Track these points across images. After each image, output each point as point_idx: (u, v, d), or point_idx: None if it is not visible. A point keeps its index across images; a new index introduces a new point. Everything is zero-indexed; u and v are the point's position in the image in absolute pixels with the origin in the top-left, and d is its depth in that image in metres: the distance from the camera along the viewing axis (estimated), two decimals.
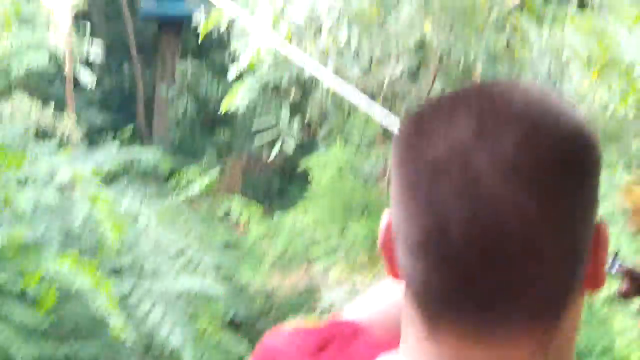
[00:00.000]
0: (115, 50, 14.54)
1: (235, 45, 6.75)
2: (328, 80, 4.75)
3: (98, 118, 12.86)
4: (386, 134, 7.36)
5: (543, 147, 0.68)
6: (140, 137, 13.59)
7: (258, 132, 8.19)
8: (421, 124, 0.71)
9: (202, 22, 6.98)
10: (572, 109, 0.72)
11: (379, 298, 1.15)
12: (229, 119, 12.66)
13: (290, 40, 6.19)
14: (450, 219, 0.67)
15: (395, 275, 0.76)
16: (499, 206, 0.67)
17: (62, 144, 9.31)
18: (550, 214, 0.69)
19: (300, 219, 7.47)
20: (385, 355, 0.80)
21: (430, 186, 0.68)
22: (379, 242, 0.77)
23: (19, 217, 5.76)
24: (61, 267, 5.40)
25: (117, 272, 7.17)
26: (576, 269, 0.72)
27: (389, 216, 0.76)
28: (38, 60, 8.49)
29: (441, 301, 0.70)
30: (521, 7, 6.50)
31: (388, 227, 0.76)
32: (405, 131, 0.74)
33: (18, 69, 8.39)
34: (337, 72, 6.13)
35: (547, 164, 0.68)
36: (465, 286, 0.68)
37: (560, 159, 0.69)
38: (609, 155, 6.12)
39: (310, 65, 4.78)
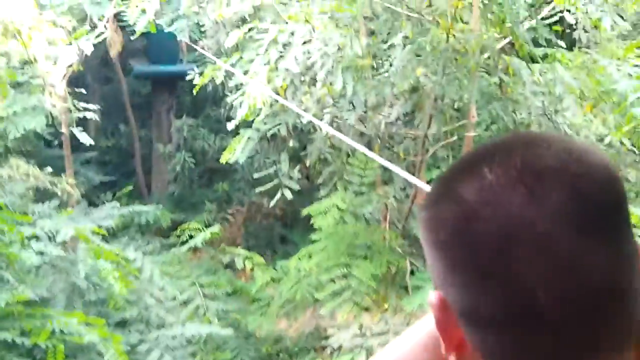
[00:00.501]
0: (111, 110, 14.70)
1: (230, 99, 6.86)
2: (324, 126, 4.85)
3: (97, 178, 12.93)
4: (385, 175, 7.43)
5: (592, 194, 0.73)
6: (140, 194, 13.65)
7: (258, 181, 8.24)
8: (463, 205, 0.74)
9: (197, 80, 7.12)
10: (593, 148, 0.79)
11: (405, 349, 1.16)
12: (227, 171, 12.75)
13: (286, 91, 6.31)
14: (534, 289, 0.70)
15: (457, 351, 0.80)
16: (577, 263, 0.71)
17: (62, 204, 9.35)
18: (620, 252, 0.74)
19: (304, 264, 7.48)
20: None
21: (501, 262, 0.71)
22: (435, 322, 0.81)
23: (24, 275, 5.77)
24: (69, 323, 5.39)
25: (124, 324, 7.17)
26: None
27: (440, 297, 0.80)
28: (35, 124, 8.56)
29: None
30: (511, 48, 6.64)
31: (444, 308, 0.79)
32: (446, 215, 0.76)
33: (15, 134, 8.45)
34: (334, 120, 6.24)
35: (601, 209, 0.73)
36: (557, 346, 0.72)
37: (607, 202, 0.74)
38: None
39: (305, 114, 4.89)
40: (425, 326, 1.16)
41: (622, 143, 6.08)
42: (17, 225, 6.43)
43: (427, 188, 7.74)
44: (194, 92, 7.20)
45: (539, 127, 6.35)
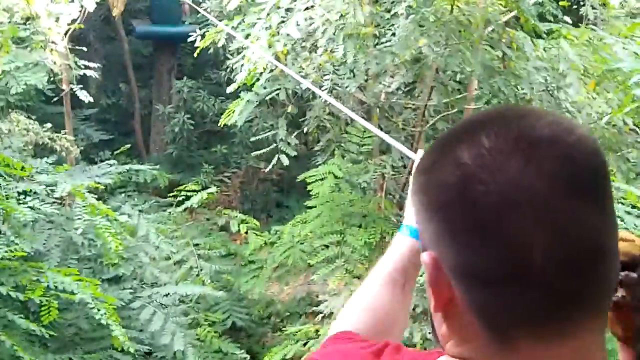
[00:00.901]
0: (112, 69, 14.67)
1: (231, 62, 6.83)
2: (322, 94, 4.84)
3: (95, 135, 12.94)
4: (382, 146, 7.43)
5: (583, 161, 0.81)
6: (138, 154, 13.68)
7: (255, 145, 8.25)
8: (463, 169, 0.81)
9: (199, 42, 7.08)
10: (578, 124, 0.88)
11: (366, 307, 1.36)
12: (225, 134, 12.76)
13: (286, 56, 6.28)
14: (531, 248, 0.77)
15: (446, 308, 0.86)
16: (571, 224, 0.78)
17: (60, 161, 9.37)
18: (606, 216, 0.82)
19: (298, 230, 7.53)
20: None
21: (501, 223, 0.78)
22: (428, 280, 0.87)
23: (20, 229, 5.81)
24: (63, 280, 5.45)
25: (117, 280, 7.26)
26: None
27: (433, 256, 0.85)
28: (35, 80, 8.53)
29: (523, 320, 0.80)
30: (516, 22, 6.59)
31: (438, 267, 0.85)
32: (445, 178, 0.82)
33: (16, 89, 8.43)
34: (334, 87, 6.22)
35: (591, 175, 0.81)
36: (549, 303, 0.79)
37: (596, 169, 0.82)
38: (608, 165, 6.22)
39: (304, 81, 4.88)
40: (386, 266, 1.38)
41: (624, 122, 6.07)
42: (14, 179, 6.46)
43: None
44: (196, 54, 7.15)
45: (540, 103, 6.33)
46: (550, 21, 7.04)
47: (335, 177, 7.50)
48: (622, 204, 5.19)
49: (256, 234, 8.98)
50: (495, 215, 0.78)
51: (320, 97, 6.57)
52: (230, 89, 6.27)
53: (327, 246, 6.86)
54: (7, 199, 5.90)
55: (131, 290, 7.11)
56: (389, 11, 6.27)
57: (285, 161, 6.61)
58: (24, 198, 6.37)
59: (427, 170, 0.87)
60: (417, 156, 1.64)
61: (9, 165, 5.11)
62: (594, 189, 0.81)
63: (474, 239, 0.79)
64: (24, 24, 7.58)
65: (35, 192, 6.51)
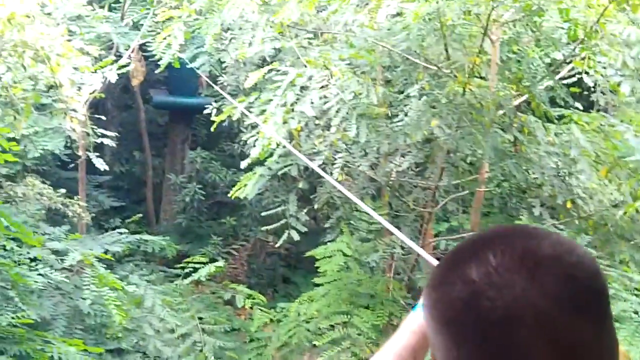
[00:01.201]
0: (128, 137, 14.86)
1: (245, 137, 6.92)
2: (330, 179, 4.89)
3: (107, 202, 13.01)
4: (393, 224, 7.40)
5: (585, 281, 0.86)
6: (148, 222, 13.69)
7: (265, 219, 8.26)
8: (471, 286, 0.86)
9: (214, 114, 7.19)
10: (578, 245, 0.93)
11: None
12: (235, 206, 12.78)
13: (300, 133, 6.36)
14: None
15: None
16: (573, 341, 0.83)
17: (72, 226, 9.40)
18: (606, 334, 0.87)
19: (305, 308, 7.42)
20: None
21: (506, 337, 0.83)
22: None
23: (28, 296, 5.77)
24: (68, 350, 5.37)
25: (121, 352, 7.15)
26: None
27: None
28: (53, 146, 8.66)
29: None
30: (527, 107, 6.66)
31: None
32: (454, 294, 0.87)
33: (33, 153, 8.56)
34: (346, 164, 6.26)
35: (592, 295, 0.86)
36: None
37: (597, 289, 0.87)
38: (620, 254, 6.17)
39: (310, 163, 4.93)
40: (397, 343, 1.39)
41: (637, 211, 6.03)
42: (26, 245, 6.46)
43: (434, 240, 7.73)
44: (212, 128, 7.24)
45: (551, 188, 6.32)
46: (561, 106, 7.10)
47: (344, 255, 7.45)
48: (637, 295, 5.11)
49: (262, 310, 8.86)
50: (501, 329, 0.82)
51: (331, 173, 6.62)
52: (244, 164, 6.33)
53: (333, 327, 6.73)
54: (18, 264, 5.90)
55: None
56: (401, 92, 6.37)
57: (296, 236, 6.60)
58: (35, 265, 6.37)
59: (437, 286, 0.93)
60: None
61: (22, 233, 5.12)
62: (594, 308, 0.86)
63: (481, 352, 0.84)
64: (47, 91, 7.76)
65: (45, 259, 6.51)
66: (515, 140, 6.28)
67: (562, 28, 6.00)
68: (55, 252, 7.16)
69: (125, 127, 15.13)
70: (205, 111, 7.72)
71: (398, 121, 6.15)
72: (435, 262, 1.74)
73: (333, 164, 6.22)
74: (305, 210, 6.80)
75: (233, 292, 9.33)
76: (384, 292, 6.90)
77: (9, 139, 8.25)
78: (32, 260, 6.45)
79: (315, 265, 7.85)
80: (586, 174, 6.02)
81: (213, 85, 8.03)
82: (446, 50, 5.90)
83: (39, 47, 6.02)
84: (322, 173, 4.13)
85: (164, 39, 7.63)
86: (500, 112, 6.23)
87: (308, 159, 6.33)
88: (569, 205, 6.26)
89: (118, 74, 7.80)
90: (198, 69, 8.37)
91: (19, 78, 6.02)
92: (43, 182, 8.72)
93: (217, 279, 10.68)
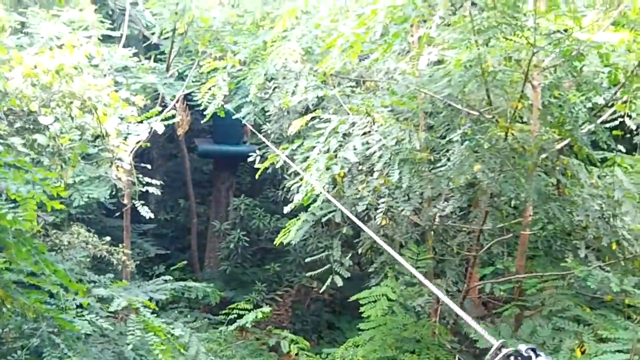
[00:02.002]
0: (173, 185, 15.14)
1: (289, 184, 7.01)
2: (365, 227, 4.93)
3: (152, 250, 13.19)
4: (437, 269, 7.37)
5: None
6: (192, 269, 13.83)
7: (309, 265, 8.28)
8: None
9: (258, 162, 7.32)
10: None
11: None
12: (279, 252, 12.85)
13: (343, 179, 6.42)
14: None
15: None
16: None
17: (116, 274, 9.54)
18: None
19: (351, 354, 7.37)
20: None
21: None
22: None
23: (74, 342, 5.85)
24: None
25: None
26: None
27: None
28: (98, 194, 8.83)
29: None
30: (570, 150, 6.64)
31: None
32: None
33: (78, 202, 8.73)
34: (389, 209, 6.29)
35: None
36: None
37: None
38: None
39: (348, 214, 4.98)
40: None
41: None
42: (72, 292, 6.58)
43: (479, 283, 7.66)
44: (257, 176, 7.36)
45: (596, 230, 6.25)
46: (604, 149, 7.06)
47: (389, 299, 7.42)
48: None
49: (307, 356, 8.83)
50: None
51: (374, 218, 6.64)
52: (287, 209, 6.39)
53: None
54: (64, 311, 5.99)
55: None
56: (443, 137, 6.41)
57: (339, 282, 6.61)
58: (80, 312, 6.47)
59: None
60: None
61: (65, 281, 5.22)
62: None
63: None
64: (94, 141, 8.00)
65: (90, 306, 6.60)
66: (558, 183, 6.24)
67: (603, 72, 6.01)
68: (101, 299, 7.28)
69: (170, 175, 15.43)
70: (250, 159, 7.85)
71: (440, 166, 6.18)
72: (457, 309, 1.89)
73: (376, 208, 6.25)
74: (349, 256, 6.80)
75: (277, 338, 9.32)
76: (429, 336, 6.83)
77: (57, 187, 8.49)
78: (77, 307, 6.55)
79: (359, 311, 7.83)
80: (631, 215, 5.96)
81: (257, 133, 8.18)
82: (488, 96, 5.94)
83: (86, 98, 6.20)
84: (356, 221, 4.15)
85: (209, 89, 7.84)
86: (543, 155, 6.22)
87: (350, 205, 6.40)
88: (614, 246, 6.17)
89: (164, 125, 8.01)
90: (243, 118, 8.55)
91: (67, 128, 6.19)
92: (88, 231, 8.88)
93: (261, 326, 10.69)
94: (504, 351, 1.71)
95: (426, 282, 2.82)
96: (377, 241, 3.98)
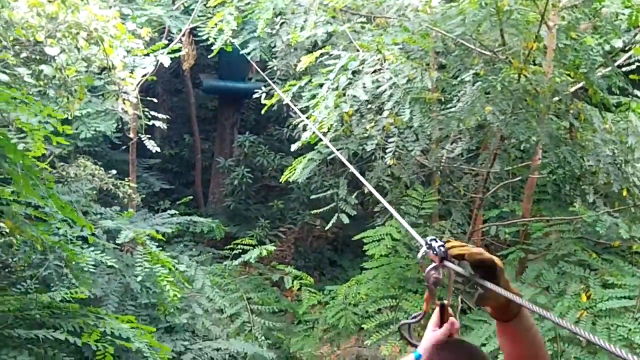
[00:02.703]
0: (177, 120, 15.08)
1: (295, 122, 6.94)
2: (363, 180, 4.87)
3: (157, 184, 13.22)
4: (443, 210, 7.36)
5: None
6: (197, 205, 13.89)
7: (313, 202, 8.29)
8: None
9: (263, 99, 7.22)
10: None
11: None
12: (283, 189, 12.88)
13: (351, 117, 6.34)
14: None
15: None
16: None
17: (122, 207, 9.57)
18: None
19: (353, 291, 7.44)
20: None
21: None
22: None
23: (81, 273, 5.89)
24: (120, 326, 5.48)
25: (171, 330, 7.28)
26: None
27: None
28: (105, 127, 8.79)
29: None
30: (584, 94, 6.53)
31: None
32: None
33: (85, 134, 8.71)
34: (397, 149, 6.23)
35: None
36: None
37: None
38: None
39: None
40: None
41: None
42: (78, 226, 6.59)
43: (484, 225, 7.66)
44: (262, 112, 7.28)
45: (606, 176, 6.20)
46: (619, 94, 6.94)
47: (393, 239, 7.43)
48: None
49: (309, 292, 8.93)
50: None
51: (381, 158, 6.60)
52: (294, 147, 6.34)
53: (380, 310, 6.74)
54: (71, 242, 6.02)
55: (183, 342, 7.13)
56: (455, 77, 6.29)
57: (346, 220, 6.61)
58: (87, 245, 6.51)
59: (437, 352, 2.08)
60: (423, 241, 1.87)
61: (74, 215, 5.22)
62: None
63: None
64: (100, 73, 7.91)
65: (97, 239, 6.62)
66: (571, 127, 6.15)
67: (623, 14, 5.84)
68: (107, 231, 7.32)
69: (175, 110, 15.35)
70: (255, 96, 7.76)
71: (451, 106, 6.09)
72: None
73: (384, 148, 6.20)
74: (354, 195, 6.78)
75: (281, 274, 9.41)
76: None
77: (62, 121, 8.43)
78: (84, 239, 6.58)
79: (362, 249, 7.86)
80: None
81: (261, 72, 8.04)
82: (502, 36, 5.81)
83: (92, 29, 6.08)
84: (359, 176, 4.09)
85: (216, 24, 7.68)
86: (556, 98, 6.11)
87: (361, 140, 6.34)
88: (624, 193, 6.13)
89: (170, 58, 7.89)
90: (249, 54, 8.41)
91: (73, 60, 6.08)
92: (95, 163, 8.88)
93: (264, 261, 10.79)
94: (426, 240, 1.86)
95: (403, 222, 2.75)
96: (373, 191, 3.94)
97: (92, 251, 6.16)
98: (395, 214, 3.58)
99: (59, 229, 6.01)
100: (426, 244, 1.85)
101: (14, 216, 5.23)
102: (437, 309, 2.17)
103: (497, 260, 1.72)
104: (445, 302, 2.16)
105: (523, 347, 1.83)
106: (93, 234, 6.28)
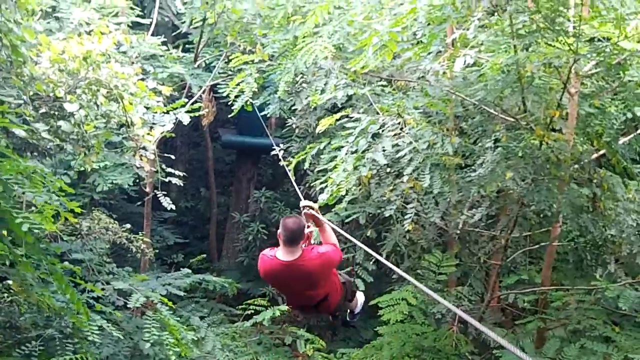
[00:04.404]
0: (195, 174, 15.08)
1: (313, 182, 6.88)
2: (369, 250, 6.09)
3: (171, 238, 13.15)
4: (462, 278, 7.20)
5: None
6: (210, 259, 13.76)
7: None
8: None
9: (281, 156, 7.18)
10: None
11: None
12: None
13: (370, 181, 6.26)
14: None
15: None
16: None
17: (135, 261, 9.47)
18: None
19: (367, 357, 7.22)
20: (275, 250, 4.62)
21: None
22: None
23: (85, 344, 5.78)
24: None
25: None
26: None
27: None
28: (122, 181, 8.76)
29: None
30: (607, 162, 6.43)
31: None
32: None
33: (102, 187, 8.68)
34: (417, 214, 6.12)
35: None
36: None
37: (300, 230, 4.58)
38: None
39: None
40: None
41: None
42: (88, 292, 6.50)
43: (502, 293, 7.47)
44: (291, 169, 7.19)
45: (629, 247, 6.06)
46: None
47: (409, 304, 7.25)
48: None
49: (322, 357, 8.70)
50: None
51: (397, 222, 6.49)
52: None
53: None
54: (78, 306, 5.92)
55: None
56: (475, 143, 6.22)
57: (362, 287, 6.48)
58: (98, 300, 6.42)
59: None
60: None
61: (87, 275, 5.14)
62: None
63: None
64: (119, 129, 7.94)
65: (108, 299, 6.52)
66: (594, 196, 6.03)
67: None
68: (119, 291, 7.21)
69: (193, 164, 15.38)
70: (273, 152, 7.73)
71: (471, 172, 6.00)
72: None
73: (402, 213, 6.10)
74: (372, 261, 6.65)
75: (293, 336, 9.21)
76: (449, 347, 6.65)
77: (79, 173, 8.43)
78: (95, 299, 6.48)
79: (376, 310, 7.66)
80: None
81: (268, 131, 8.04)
82: (523, 103, 5.75)
83: (112, 86, 6.12)
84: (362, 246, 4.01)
85: (237, 84, 7.71)
86: (577, 166, 6.01)
87: (379, 204, 6.26)
88: None
89: (189, 116, 7.90)
90: (268, 117, 8.41)
91: (92, 116, 6.10)
92: (110, 216, 8.83)
93: (276, 320, 10.58)
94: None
95: (433, 294, 2.82)
96: (384, 263, 3.98)
97: (99, 316, 6.05)
98: (413, 281, 3.51)
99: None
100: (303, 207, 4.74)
101: (22, 279, 5.14)
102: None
103: (313, 204, 4.70)
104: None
105: (324, 235, 4.70)
106: (102, 297, 6.17)
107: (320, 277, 4.52)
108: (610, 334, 6.05)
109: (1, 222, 4.30)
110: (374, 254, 4.16)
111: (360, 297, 5.29)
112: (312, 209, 4.56)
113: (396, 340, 6.89)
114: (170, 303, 6.73)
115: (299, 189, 12.16)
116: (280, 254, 4.39)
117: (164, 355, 6.91)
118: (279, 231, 4.36)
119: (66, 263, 5.49)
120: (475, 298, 7.23)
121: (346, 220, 7.13)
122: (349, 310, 5.28)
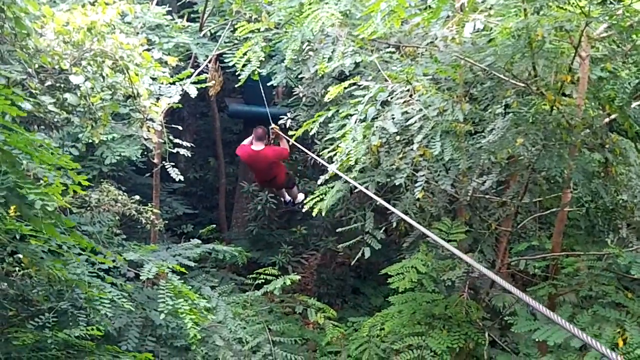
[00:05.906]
0: (202, 144, 15.05)
1: (322, 152, 6.84)
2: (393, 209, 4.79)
3: (180, 209, 13.17)
4: (472, 245, 7.18)
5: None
6: (219, 229, 13.80)
7: (336, 228, 8.16)
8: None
9: (289, 125, 7.15)
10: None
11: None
12: (306, 215, 12.73)
13: (379, 149, 6.22)
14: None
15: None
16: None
17: (145, 232, 9.50)
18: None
19: (378, 326, 7.24)
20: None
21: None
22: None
23: (103, 307, 5.80)
24: None
25: None
26: None
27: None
28: (130, 152, 8.76)
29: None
30: (619, 127, 6.35)
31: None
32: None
33: (110, 159, 8.69)
34: (427, 182, 6.08)
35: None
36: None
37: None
38: None
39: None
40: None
41: None
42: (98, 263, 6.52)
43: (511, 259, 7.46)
44: (292, 140, 7.19)
45: None
46: None
47: (418, 272, 7.23)
48: None
49: (333, 325, 8.75)
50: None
51: (408, 190, 6.46)
52: (321, 180, 6.24)
53: (407, 347, 6.53)
54: (90, 278, 5.93)
55: None
56: (486, 109, 6.15)
57: (368, 254, 6.47)
58: (109, 273, 6.43)
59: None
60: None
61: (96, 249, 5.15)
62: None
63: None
64: (125, 101, 7.90)
65: (119, 270, 6.53)
66: (606, 162, 5.96)
67: None
68: (130, 262, 7.23)
69: (201, 134, 15.32)
70: (280, 121, 7.69)
71: (482, 139, 5.94)
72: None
73: (413, 181, 6.06)
74: (382, 229, 6.64)
75: (304, 305, 9.26)
76: (460, 313, 6.65)
77: (87, 145, 8.41)
78: (107, 271, 6.49)
79: (386, 279, 7.66)
80: None
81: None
82: (534, 68, 5.66)
83: (117, 57, 6.05)
84: (387, 205, 3.97)
85: (244, 54, 7.63)
86: (588, 131, 5.94)
87: (388, 173, 6.22)
88: None
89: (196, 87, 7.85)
90: (275, 86, 8.37)
91: (98, 87, 6.05)
92: (119, 188, 8.83)
93: (286, 289, 10.65)
94: None
95: (457, 252, 2.82)
96: (406, 219, 3.81)
97: (111, 288, 6.06)
98: (432, 235, 3.44)
99: (77, 264, 5.93)
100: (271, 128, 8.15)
101: (32, 253, 5.15)
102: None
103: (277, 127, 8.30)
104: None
105: (282, 143, 8.33)
106: (115, 267, 6.18)
107: (273, 163, 8.19)
108: (622, 300, 6.02)
109: (12, 196, 4.29)
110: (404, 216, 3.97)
111: (300, 196, 9.07)
112: (277, 129, 8.09)
113: (407, 308, 6.90)
114: (182, 269, 6.75)
115: (307, 157, 12.20)
116: (253, 147, 7.99)
117: (175, 325, 6.96)
118: (253, 133, 7.95)
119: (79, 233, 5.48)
120: (485, 265, 7.19)
121: (355, 190, 7.10)
122: (290, 198, 9.21)
